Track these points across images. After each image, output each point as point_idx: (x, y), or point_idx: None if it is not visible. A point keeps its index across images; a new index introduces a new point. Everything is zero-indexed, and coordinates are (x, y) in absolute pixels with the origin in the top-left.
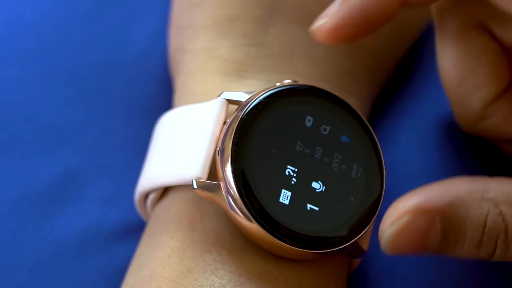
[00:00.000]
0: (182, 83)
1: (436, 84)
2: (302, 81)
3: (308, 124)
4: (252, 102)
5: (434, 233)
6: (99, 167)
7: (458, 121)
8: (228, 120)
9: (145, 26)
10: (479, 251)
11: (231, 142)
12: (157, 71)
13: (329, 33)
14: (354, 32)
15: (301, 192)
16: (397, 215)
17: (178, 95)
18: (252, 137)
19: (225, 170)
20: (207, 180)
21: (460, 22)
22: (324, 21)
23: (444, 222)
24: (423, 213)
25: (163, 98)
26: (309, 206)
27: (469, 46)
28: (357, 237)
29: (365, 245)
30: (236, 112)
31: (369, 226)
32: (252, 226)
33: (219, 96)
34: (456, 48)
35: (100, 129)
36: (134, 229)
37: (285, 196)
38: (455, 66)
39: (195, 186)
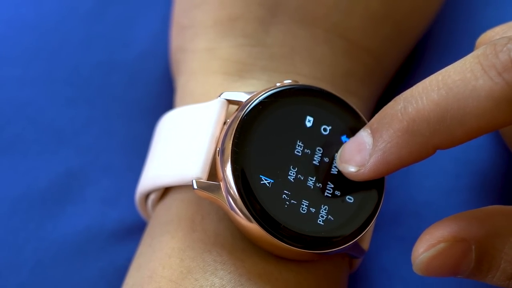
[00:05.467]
0: (183, 83)
1: None
2: (303, 81)
3: (308, 124)
4: (252, 103)
5: (468, 261)
6: (100, 167)
7: None
8: (228, 120)
9: (146, 26)
10: (509, 282)
11: (231, 142)
12: (158, 71)
13: (363, 179)
14: (386, 174)
15: (301, 193)
16: (434, 241)
17: (179, 95)
18: (252, 138)
19: (225, 171)
20: (207, 180)
21: None
22: (356, 170)
23: (479, 252)
24: (460, 241)
25: (165, 98)
26: (309, 206)
27: None
28: (358, 237)
29: (365, 245)
30: (236, 113)
31: (369, 226)
32: (252, 227)
33: (219, 96)
34: None
35: (101, 129)
36: (135, 229)
37: (285, 197)
38: None
39: (195, 187)
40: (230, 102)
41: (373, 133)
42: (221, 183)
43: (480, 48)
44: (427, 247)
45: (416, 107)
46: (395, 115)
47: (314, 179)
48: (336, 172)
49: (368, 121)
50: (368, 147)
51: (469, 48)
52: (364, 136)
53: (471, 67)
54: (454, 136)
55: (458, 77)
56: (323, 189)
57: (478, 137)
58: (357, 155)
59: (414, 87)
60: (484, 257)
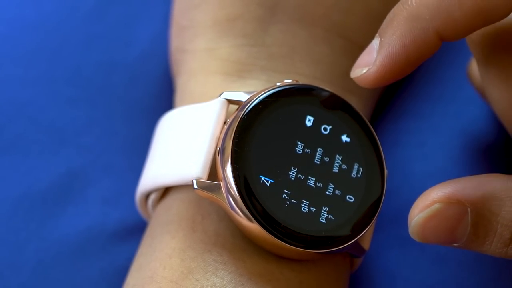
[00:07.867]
0: (182, 83)
1: (437, 85)
2: (303, 80)
3: (309, 124)
4: (252, 102)
5: (464, 225)
6: (101, 167)
7: None
8: (228, 120)
9: (147, 27)
10: (507, 250)
11: (231, 142)
12: (159, 71)
13: (372, 81)
14: (396, 74)
15: (302, 192)
16: (428, 202)
17: (178, 95)
18: (253, 137)
19: (225, 170)
20: (208, 180)
21: (506, 52)
22: (365, 71)
23: (475, 215)
24: (455, 203)
25: (165, 98)
26: (309, 206)
27: None
28: (358, 237)
29: (366, 245)
30: (236, 112)
31: (370, 225)
32: (253, 226)
33: (219, 96)
34: (504, 77)
35: (102, 129)
36: (136, 229)
37: (286, 196)
38: (506, 93)
39: (195, 186)
40: (230, 102)
41: (380, 34)
42: (221, 183)
43: None
44: (422, 207)
45: None
46: (397, 10)
47: (314, 179)
48: (337, 171)
49: (369, 120)
50: (376, 48)
51: None
52: (373, 41)
53: None
54: (454, 19)
55: None
56: (324, 188)
57: (477, 26)
58: (366, 57)
59: None
60: (480, 221)
